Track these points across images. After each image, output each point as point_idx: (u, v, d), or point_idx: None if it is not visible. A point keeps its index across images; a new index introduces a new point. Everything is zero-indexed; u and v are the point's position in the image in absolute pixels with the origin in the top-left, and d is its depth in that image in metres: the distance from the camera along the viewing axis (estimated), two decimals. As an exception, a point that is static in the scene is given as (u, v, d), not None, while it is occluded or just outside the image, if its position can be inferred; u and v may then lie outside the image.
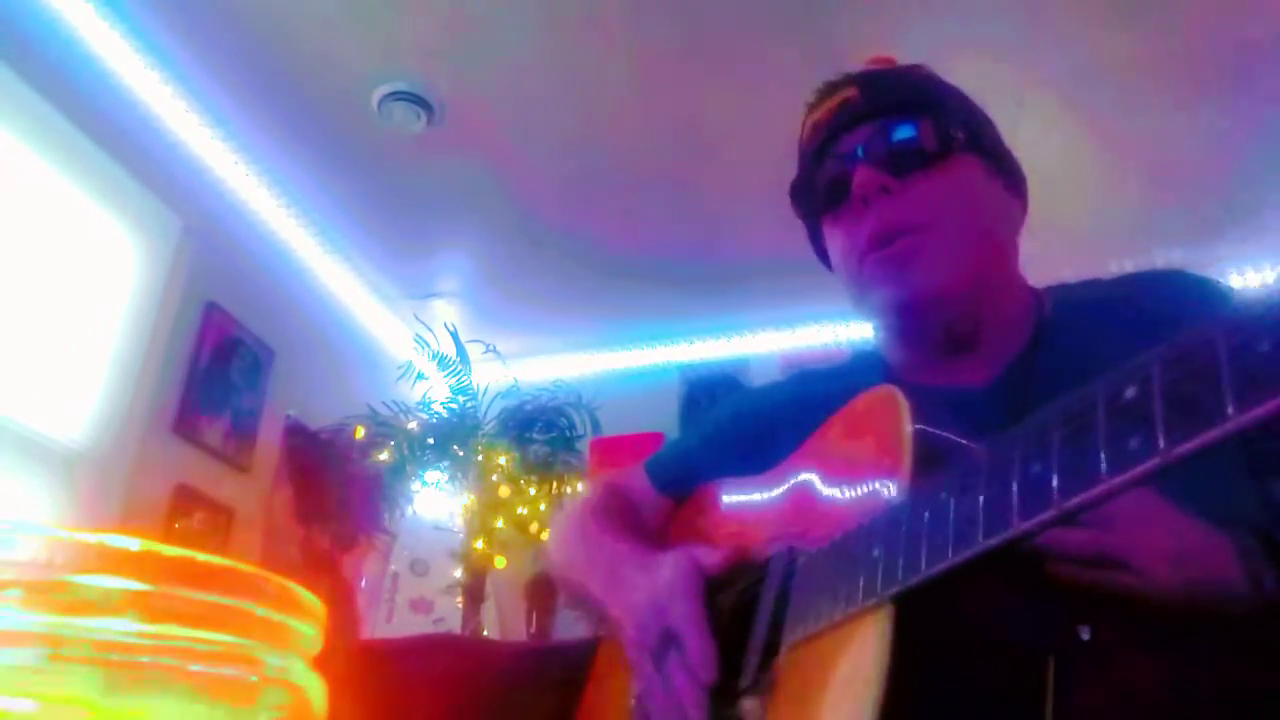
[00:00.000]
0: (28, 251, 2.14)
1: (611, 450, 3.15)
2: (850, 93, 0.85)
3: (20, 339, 2.10)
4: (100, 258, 2.35)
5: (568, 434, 2.89)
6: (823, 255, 0.93)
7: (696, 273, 3.24)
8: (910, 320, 0.80)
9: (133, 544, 0.40)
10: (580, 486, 2.72)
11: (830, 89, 0.88)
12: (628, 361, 3.70)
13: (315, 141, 2.77)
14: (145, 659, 0.38)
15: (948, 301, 0.78)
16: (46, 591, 0.38)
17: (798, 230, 0.97)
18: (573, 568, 0.92)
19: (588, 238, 3.11)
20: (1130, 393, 0.36)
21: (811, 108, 0.90)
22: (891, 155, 0.80)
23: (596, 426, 2.91)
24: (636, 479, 1.01)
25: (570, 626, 2.48)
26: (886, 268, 0.78)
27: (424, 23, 2.39)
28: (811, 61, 2.44)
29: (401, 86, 2.55)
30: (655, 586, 0.69)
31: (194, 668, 0.40)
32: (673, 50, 2.45)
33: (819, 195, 0.86)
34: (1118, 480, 0.36)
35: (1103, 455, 0.36)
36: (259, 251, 2.94)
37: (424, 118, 2.61)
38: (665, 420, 3.41)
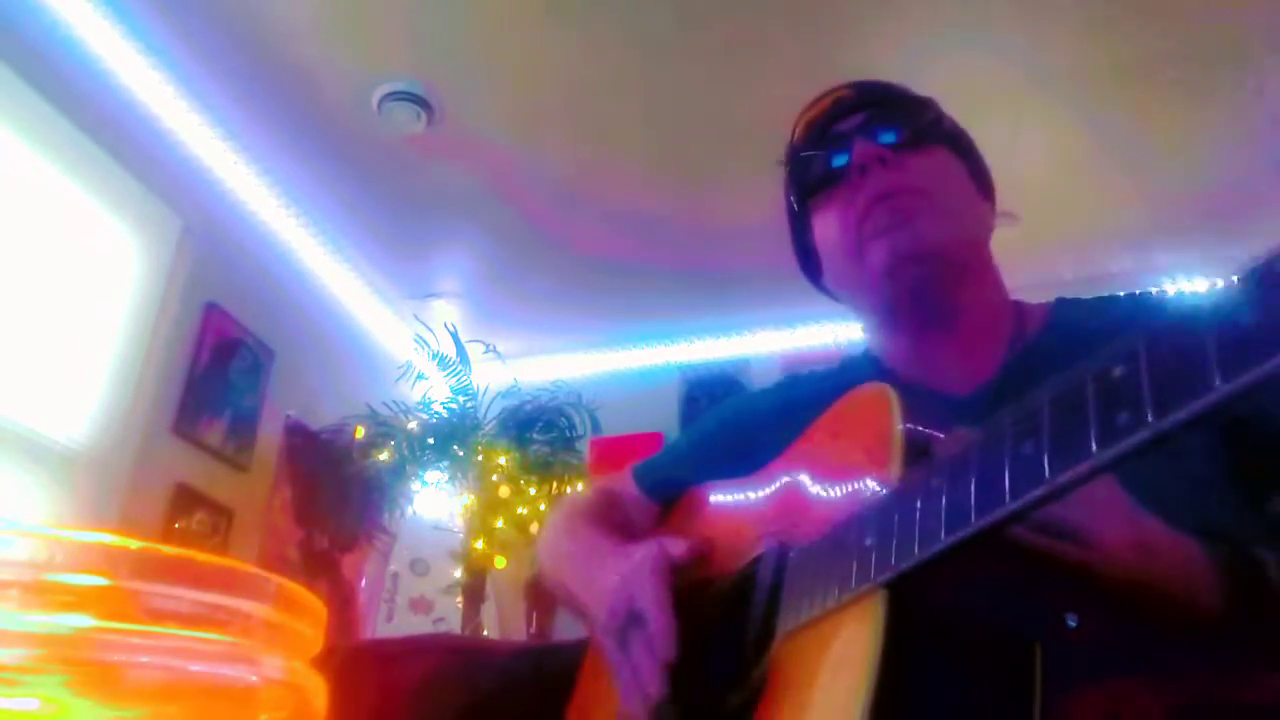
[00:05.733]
0: (28, 251, 2.13)
1: (611, 450, 3.15)
2: (842, 92, 0.93)
3: (20, 339, 2.10)
4: (100, 258, 2.35)
5: (568, 434, 2.89)
6: (804, 255, 0.97)
7: (696, 273, 3.24)
8: (905, 273, 0.82)
9: (131, 544, 0.40)
10: (580, 487, 2.72)
11: (823, 94, 0.95)
12: (628, 361, 3.70)
13: (315, 141, 2.77)
14: (145, 659, 0.38)
15: (942, 258, 0.82)
16: (43, 592, 0.38)
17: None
18: (555, 563, 0.95)
19: (588, 238, 3.11)
20: (1118, 371, 0.37)
21: (804, 112, 0.96)
22: (884, 133, 0.87)
23: (596, 426, 2.91)
24: (624, 483, 1.04)
25: (570, 627, 2.48)
26: (892, 217, 0.82)
27: (424, 23, 2.39)
28: (813, 61, 2.46)
29: (401, 86, 2.54)
30: (624, 571, 0.72)
31: (194, 668, 0.40)
32: (673, 50, 2.45)
33: (811, 179, 0.91)
34: (1109, 454, 0.37)
35: (1093, 431, 0.37)
36: (259, 251, 2.94)
37: (424, 118, 2.61)
38: (665, 420, 3.41)
